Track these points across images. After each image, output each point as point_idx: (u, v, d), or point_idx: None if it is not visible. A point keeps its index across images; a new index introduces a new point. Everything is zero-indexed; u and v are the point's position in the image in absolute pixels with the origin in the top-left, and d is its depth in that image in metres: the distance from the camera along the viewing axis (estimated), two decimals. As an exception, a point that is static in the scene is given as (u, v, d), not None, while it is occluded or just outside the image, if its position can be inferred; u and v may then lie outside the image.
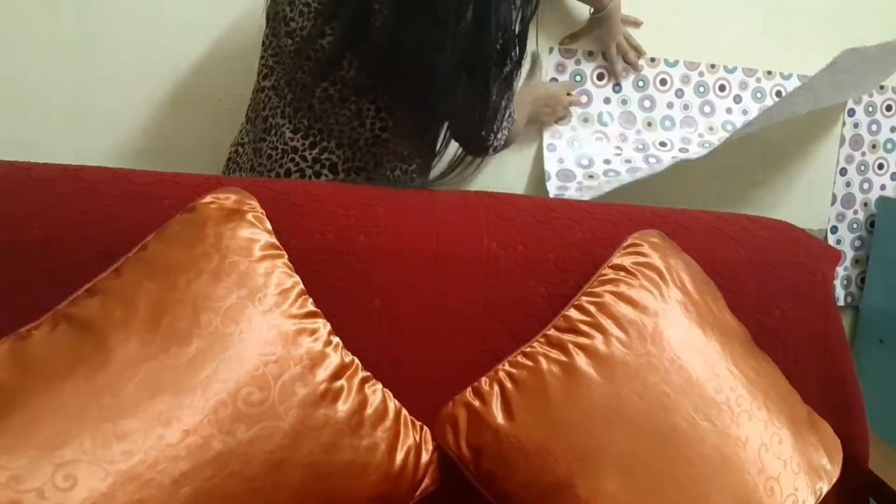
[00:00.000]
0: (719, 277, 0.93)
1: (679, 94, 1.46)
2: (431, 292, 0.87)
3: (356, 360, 0.78)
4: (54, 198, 0.81)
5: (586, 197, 1.35)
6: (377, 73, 0.98)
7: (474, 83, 0.97)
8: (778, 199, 1.57)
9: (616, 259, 0.87)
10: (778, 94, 1.51)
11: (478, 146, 1.11)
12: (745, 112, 1.50)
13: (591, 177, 1.40)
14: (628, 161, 1.42)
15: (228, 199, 0.80)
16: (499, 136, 1.09)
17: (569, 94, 1.40)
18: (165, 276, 0.72)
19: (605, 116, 1.44)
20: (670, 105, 1.46)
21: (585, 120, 1.43)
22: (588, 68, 1.42)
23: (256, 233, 0.78)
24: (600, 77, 1.42)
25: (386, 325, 0.85)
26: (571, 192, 1.38)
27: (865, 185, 1.60)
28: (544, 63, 1.40)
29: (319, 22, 0.98)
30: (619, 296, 0.82)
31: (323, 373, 0.73)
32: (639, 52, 1.41)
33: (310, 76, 1.00)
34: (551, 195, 1.37)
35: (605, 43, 1.38)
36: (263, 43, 1.08)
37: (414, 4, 0.91)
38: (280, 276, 0.76)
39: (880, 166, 1.60)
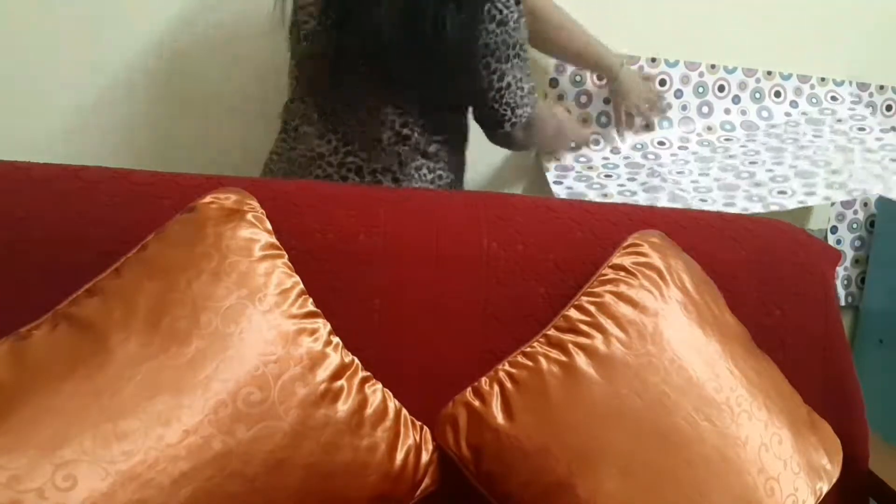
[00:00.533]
0: (719, 277, 0.93)
1: (678, 94, 1.46)
2: (431, 292, 0.87)
3: (356, 360, 0.78)
4: (54, 198, 0.81)
5: (583, 189, 1.36)
6: (381, 63, 0.98)
7: (418, 27, 0.95)
8: (778, 200, 1.57)
9: (616, 259, 0.87)
10: (777, 94, 1.51)
11: (493, 122, 1.07)
12: (743, 112, 1.50)
13: (590, 168, 1.41)
14: (626, 157, 1.42)
15: (228, 199, 0.80)
16: (518, 112, 1.06)
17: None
18: (165, 276, 0.72)
19: (604, 117, 1.44)
20: (668, 105, 1.46)
21: (584, 120, 1.44)
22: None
23: (256, 233, 0.78)
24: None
25: (386, 325, 0.85)
26: (570, 181, 1.38)
27: (865, 185, 1.60)
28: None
29: (323, 18, 0.99)
30: (619, 296, 0.82)
31: (323, 373, 0.73)
32: (653, 112, 1.42)
33: (324, 75, 1.02)
34: (550, 182, 1.37)
35: (620, 106, 1.39)
36: (291, 57, 1.10)
37: None
38: (280, 276, 0.76)
39: None
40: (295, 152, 1.08)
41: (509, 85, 1.03)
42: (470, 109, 1.11)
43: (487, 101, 1.04)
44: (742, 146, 1.44)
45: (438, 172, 1.08)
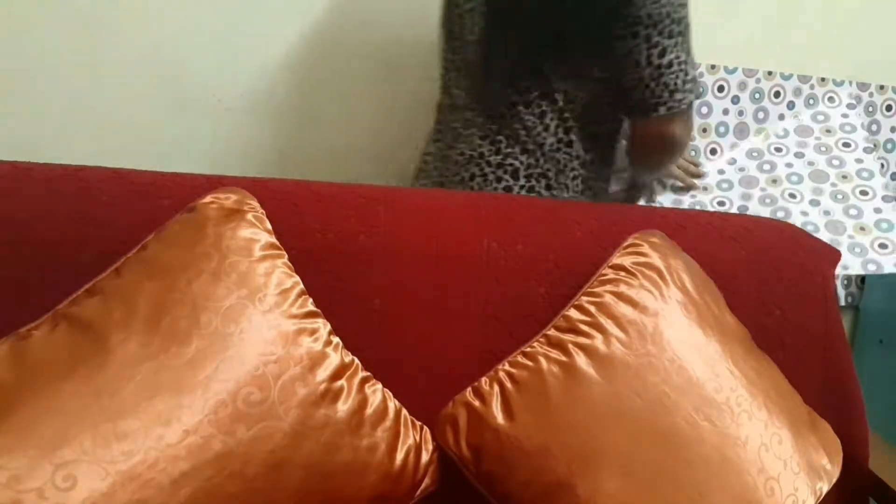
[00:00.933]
0: (719, 277, 0.93)
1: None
2: (431, 292, 0.87)
3: (356, 360, 0.78)
4: (54, 198, 0.81)
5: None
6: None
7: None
8: (778, 200, 1.57)
9: (616, 259, 0.87)
10: (776, 94, 1.51)
11: (646, 106, 0.99)
12: (741, 113, 1.50)
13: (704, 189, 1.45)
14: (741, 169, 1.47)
15: (228, 199, 0.80)
16: (676, 96, 0.97)
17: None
18: (165, 276, 0.72)
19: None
20: (703, 172, 1.47)
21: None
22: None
23: (256, 233, 0.78)
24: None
25: (386, 325, 0.85)
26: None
27: (865, 186, 1.60)
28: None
29: (488, 25, 1.04)
30: (619, 296, 0.82)
31: (323, 373, 0.73)
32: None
33: (493, 79, 1.05)
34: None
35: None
36: (444, 58, 1.13)
37: None
38: (280, 276, 0.76)
39: (881, 166, 1.60)
40: (453, 151, 1.09)
41: (671, 64, 0.96)
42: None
43: (644, 79, 0.97)
44: (719, 171, 1.46)
45: (590, 183, 1.08)
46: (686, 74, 0.98)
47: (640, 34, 0.95)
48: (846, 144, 1.49)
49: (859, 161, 1.47)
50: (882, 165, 1.59)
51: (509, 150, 1.05)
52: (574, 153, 1.04)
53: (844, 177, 1.45)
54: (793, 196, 1.41)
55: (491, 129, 1.06)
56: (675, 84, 0.97)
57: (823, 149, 1.48)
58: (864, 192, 1.47)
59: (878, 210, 1.45)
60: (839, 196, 1.43)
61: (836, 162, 1.47)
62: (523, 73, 1.02)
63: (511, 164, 1.05)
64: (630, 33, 0.95)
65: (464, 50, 1.09)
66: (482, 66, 1.07)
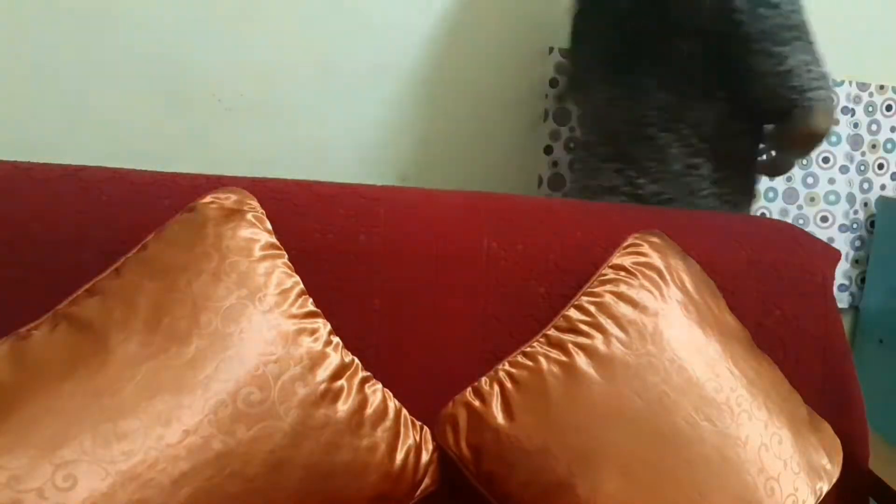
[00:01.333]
0: (719, 277, 0.93)
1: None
2: (431, 292, 0.87)
3: (356, 360, 0.78)
4: (54, 198, 0.81)
5: None
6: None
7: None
8: (778, 200, 1.57)
9: (616, 259, 0.87)
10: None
11: (781, 110, 1.02)
12: None
13: None
14: None
15: (228, 199, 0.80)
16: (808, 94, 1.00)
17: None
18: (165, 276, 0.72)
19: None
20: None
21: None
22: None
23: (256, 233, 0.78)
24: None
25: (386, 325, 0.85)
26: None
27: (865, 185, 1.60)
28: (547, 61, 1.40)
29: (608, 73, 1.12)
30: (619, 296, 0.82)
31: (323, 373, 0.73)
32: None
33: (620, 123, 1.11)
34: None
35: None
36: (573, 99, 1.24)
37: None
38: (280, 276, 0.76)
39: (880, 166, 1.60)
40: (593, 182, 1.15)
41: (792, 69, 1.00)
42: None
43: (770, 87, 1.01)
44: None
45: (727, 198, 1.10)
46: (810, 73, 1.00)
47: (753, 49, 0.99)
48: (825, 160, 1.52)
49: (831, 182, 1.51)
50: (855, 189, 1.60)
51: (640, 181, 1.10)
52: (703, 174, 1.08)
53: (812, 199, 1.50)
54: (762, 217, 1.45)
55: (623, 164, 1.11)
56: (803, 84, 1.00)
57: (804, 161, 1.51)
58: (824, 219, 1.51)
59: (830, 240, 1.49)
60: (800, 221, 1.48)
61: (810, 180, 1.51)
62: (647, 111, 1.07)
63: (640, 193, 1.10)
64: (746, 51, 1.00)
65: (590, 95, 1.17)
66: (606, 109, 1.13)
